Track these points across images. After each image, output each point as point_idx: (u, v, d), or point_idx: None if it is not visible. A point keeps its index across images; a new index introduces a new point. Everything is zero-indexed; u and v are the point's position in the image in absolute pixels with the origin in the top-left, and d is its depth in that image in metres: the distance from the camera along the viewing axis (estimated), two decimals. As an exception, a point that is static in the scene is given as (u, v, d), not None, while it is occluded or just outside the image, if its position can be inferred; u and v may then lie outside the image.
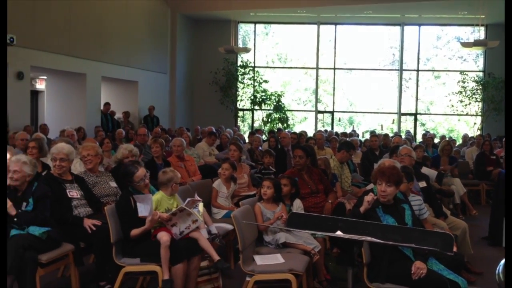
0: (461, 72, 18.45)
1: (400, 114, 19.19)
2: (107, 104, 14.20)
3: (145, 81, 15.86)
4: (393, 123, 19.63)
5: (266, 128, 17.97)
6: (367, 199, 3.88)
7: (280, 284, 4.08)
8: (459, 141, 14.06)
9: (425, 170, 6.75)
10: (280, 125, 18.03)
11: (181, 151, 7.28)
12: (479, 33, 16.74)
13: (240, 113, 19.87)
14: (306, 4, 16.63)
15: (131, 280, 4.50)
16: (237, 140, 8.67)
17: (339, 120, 19.96)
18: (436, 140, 13.19)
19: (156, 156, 6.75)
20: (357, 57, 19.69)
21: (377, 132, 15.05)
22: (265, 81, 18.98)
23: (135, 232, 4.14)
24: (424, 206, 4.72)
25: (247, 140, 12.71)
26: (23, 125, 10.49)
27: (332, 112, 19.70)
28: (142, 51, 15.63)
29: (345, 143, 7.50)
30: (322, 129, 16.84)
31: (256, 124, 19.60)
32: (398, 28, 19.01)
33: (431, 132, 16.34)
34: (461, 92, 18.02)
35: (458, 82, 18.20)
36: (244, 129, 19.49)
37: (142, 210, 4.12)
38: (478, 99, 17.98)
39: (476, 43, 13.75)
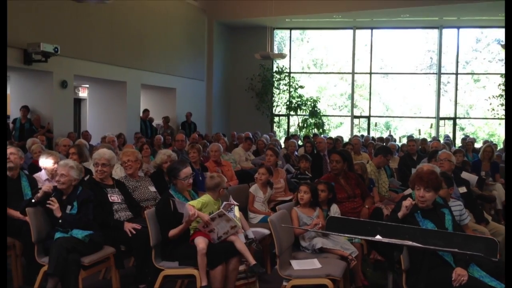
0: (502, 75, 17.95)
1: (439, 119, 18.82)
2: (146, 111, 14.48)
3: (182, 88, 16.11)
4: (431, 127, 19.23)
5: (302, 133, 17.91)
6: (405, 204, 3.78)
7: (317, 289, 4.06)
8: (500, 146, 13.65)
9: (465, 175, 6.61)
10: (315, 131, 17.96)
11: (218, 157, 7.38)
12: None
13: (276, 119, 19.90)
14: (342, 9, 16.55)
15: (170, 282, 4.53)
16: (274, 146, 8.70)
17: (375, 125, 19.71)
18: (477, 145, 12.83)
19: (194, 161, 6.82)
20: (394, 61, 19.44)
21: (414, 137, 14.77)
22: (301, 87, 18.98)
23: (173, 232, 4.18)
24: (465, 211, 4.62)
25: (282, 146, 12.72)
26: (67, 132, 10.84)
27: (368, 117, 19.49)
28: (180, 59, 15.88)
29: (382, 148, 7.40)
30: (358, 134, 16.66)
31: (292, 130, 19.58)
32: (436, 31, 18.67)
33: (471, 136, 15.93)
34: (502, 95, 17.50)
35: (499, 85, 17.70)
36: (280, 134, 19.51)
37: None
38: (521, 102, 17.43)
39: (518, 45, 13.33)
